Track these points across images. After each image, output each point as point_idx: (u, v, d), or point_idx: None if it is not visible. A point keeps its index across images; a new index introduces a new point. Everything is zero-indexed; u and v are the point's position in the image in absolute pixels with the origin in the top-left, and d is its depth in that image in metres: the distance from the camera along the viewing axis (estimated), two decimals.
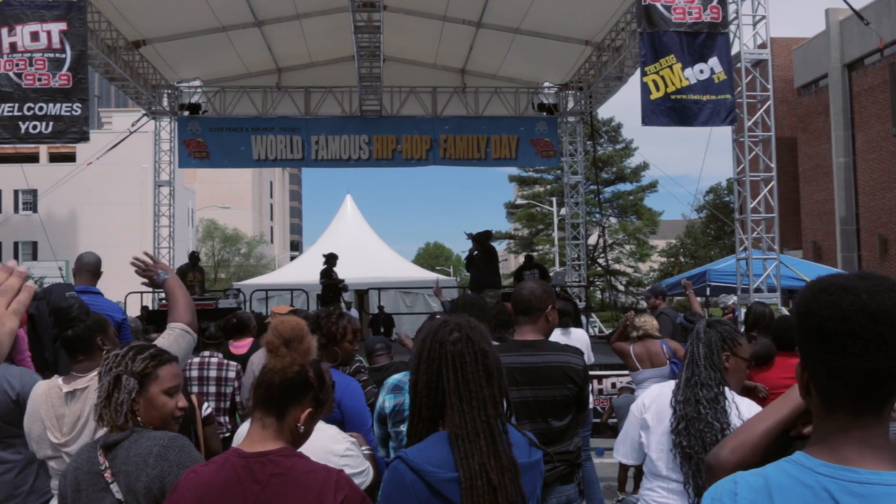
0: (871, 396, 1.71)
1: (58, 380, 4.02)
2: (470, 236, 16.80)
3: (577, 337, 8.89)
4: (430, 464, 2.70)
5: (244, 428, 4.15)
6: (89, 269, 6.83)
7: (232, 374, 7.65)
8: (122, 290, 19.46)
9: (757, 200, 14.84)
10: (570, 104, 23.11)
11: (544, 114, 22.62)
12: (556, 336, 7.47)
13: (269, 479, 2.68)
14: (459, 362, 2.82)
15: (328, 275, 17.98)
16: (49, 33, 13.84)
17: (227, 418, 7.52)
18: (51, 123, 13.90)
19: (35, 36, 13.83)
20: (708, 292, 18.50)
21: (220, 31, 19.16)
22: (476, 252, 16.54)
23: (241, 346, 8.70)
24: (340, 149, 22.07)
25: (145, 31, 19.11)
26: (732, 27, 14.40)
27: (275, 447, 2.75)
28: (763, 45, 14.88)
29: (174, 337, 4.10)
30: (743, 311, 13.34)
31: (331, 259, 18.08)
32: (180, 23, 18.84)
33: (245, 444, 2.79)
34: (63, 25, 13.86)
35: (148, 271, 4.48)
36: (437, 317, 3.21)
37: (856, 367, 1.69)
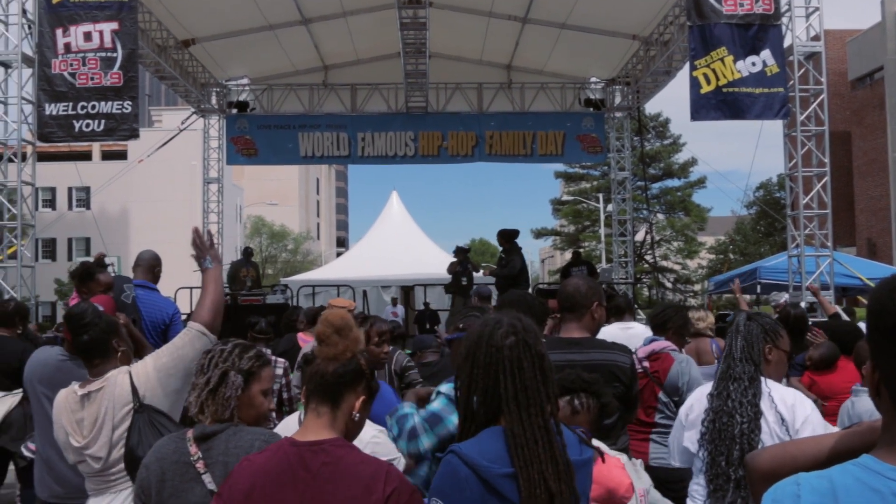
0: None
1: (74, 385, 4.06)
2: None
3: (638, 332, 8.76)
4: (484, 458, 2.69)
5: (289, 421, 4.33)
6: (144, 264, 7.12)
7: (280, 371, 7.63)
8: (172, 285, 19.63)
9: (810, 196, 14.58)
10: (618, 99, 22.90)
11: (591, 109, 22.39)
12: (615, 331, 7.37)
13: (320, 468, 2.71)
14: (517, 368, 2.80)
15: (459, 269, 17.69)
16: (101, 33, 14.05)
17: (273, 415, 7.52)
18: (103, 121, 14.09)
19: (88, 36, 14.04)
20: (758, 290, 18.24)
21: (267, 29, 19.31)
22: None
23: (310, 339, 8.73)
24: (386, 145, 22.09)
25: (194, 30, 19.32)
26: (785, 19, 14.15)
27: (329, 436, 2.78)
28: (816, 38, 14.58)
29: (189, 338, 4.09)
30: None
31: (458, 253, 17.92)
32: (229, 22, 19.05)
33: (299, 434, 2.84)
34: (115, 25, 14.06)
35: (200, 248, 4.44)
36: (488, 314, 3.16)
37: None
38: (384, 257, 27.98)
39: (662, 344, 6.24)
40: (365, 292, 23.39)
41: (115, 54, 14.07)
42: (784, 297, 13.85)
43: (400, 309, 24.42)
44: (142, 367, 4.04)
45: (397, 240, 29.98)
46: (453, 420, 3.91)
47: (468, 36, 20.45)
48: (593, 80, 22.75)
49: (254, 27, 19.23)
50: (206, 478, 3.13)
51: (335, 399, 2.84)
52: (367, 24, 19.50)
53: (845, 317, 11.55)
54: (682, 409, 4.53)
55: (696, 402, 4.38)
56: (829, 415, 6.16)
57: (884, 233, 32.06)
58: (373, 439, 4.07)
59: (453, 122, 22.21)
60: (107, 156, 55.78)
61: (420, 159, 22.47)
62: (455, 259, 17.58)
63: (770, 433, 4.08)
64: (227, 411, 3.28)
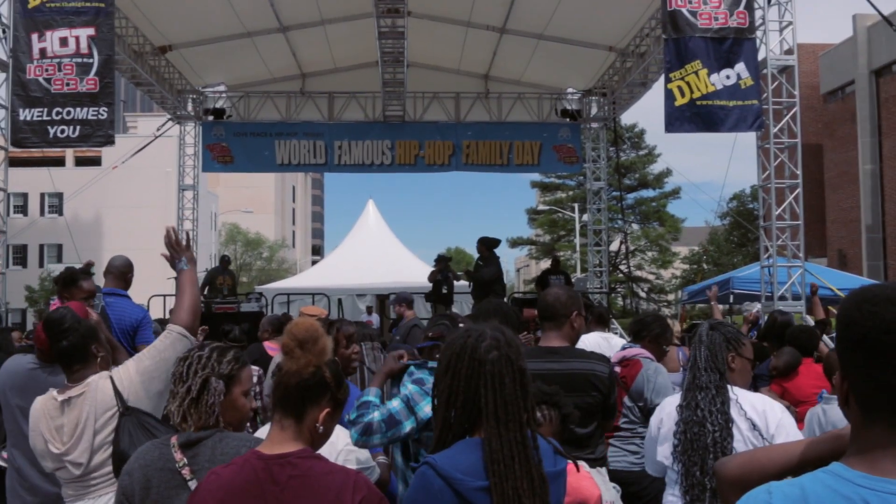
0: None
1: (53, 391, 4.02)
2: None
3: (618, 344, 8.83)
4: (459, 471, 2.69)
5: (262, 431, 4.15)
6: (115, 271, 7.08)
7: (254, 379, 7.64)
8: (146, 292, 19.53)
9: (782, 208, 14.72)
10: (594, 110, 23.07)
11: (567, 120, 22.55)
12: (597, 341, 7.44)
13: (288, 481, 2.71)
14: (499, 383, 2.80)
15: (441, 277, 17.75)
16: (77, 39, 13.99)
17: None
18: (78, 128, 14.03)
19: (64, 41, 13.98)
20: (731, 300, 18.41)
21: (245, 36, 19.30)
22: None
23: (277, 347, 8.74)
24: (363, 154, 22.13)
25: (171, 36, 19.25)
26: (759, 33, 14.28)
27: (294, 449, 2.78)
28: (790, 51, 14.74)
29: (170, 341, 4.09)
30: (807, 318, 13.29)
31: (439, 262, 18.02)
32: (206, 28, 18.99)
33: (265, 446, 2.83)
34: (91, 31, 14.00)
35: (175, 249, 4.43)
36: (464, 325, 3.16)
37: None
38: (360, 266, 27.95)
39: (635, 351, 6.33)
40: (340, 301, 23.28)
41: (91, 60, 14.01)
42: (756, 307, 13.97)
43: (375, 318, 24.29)
44: (124, 371, 4.04)
45: (373, 248, 30.00)
46: (410, 423, 4.03)
47: (446, 45, 20.50)
48: (570, 90, 22.90)
49: (231, 34, 19.17)
50: (193, 484, 3.10)
51: (298, 412, 2.83)
52: (345, 33, 19.51)
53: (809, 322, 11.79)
54: (653, 422, 4.53)
55: (667, 416, 4.39)
56: (802, 420, 6.23)
57: (854, 244, 32.39)
58: (346, 447, 4.12)
59: (430, 132, 22.29)
60: (80, 161, 55.36)
61: (397, 168, 22.52)
62: (436, 268, 17.69)
63: (744, 440, 4.11)
64: (212, 418, 3.27)
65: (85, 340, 4.13)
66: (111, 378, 3.98)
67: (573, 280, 22.18)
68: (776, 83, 14.63)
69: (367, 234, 32.13)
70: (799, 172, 14.71)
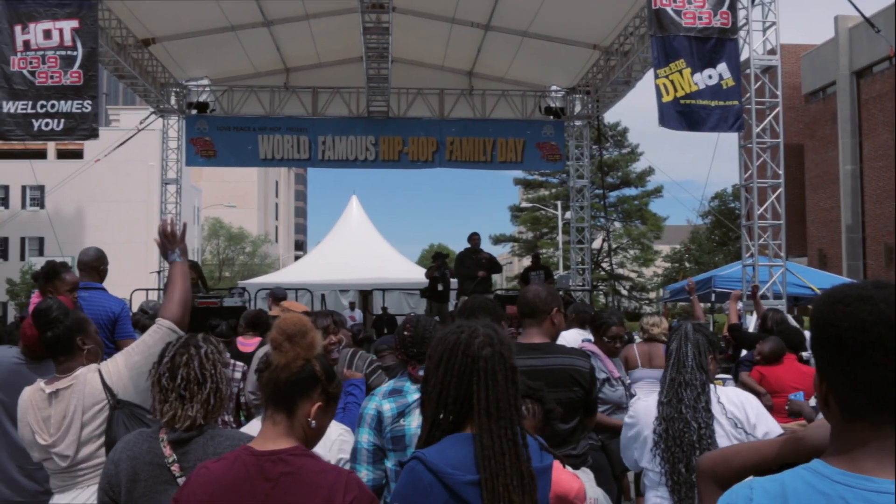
0: (892, 406, 1.70)
1: (40, 382, 4.03)
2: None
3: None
4: (449, 466, 2.72)
5: (255, 423, 4.27)
6: (86, 266, 7.05)
7: (238, 375, 7.60)
8: (128, 286, 19.78)
9: (764, 207, 14.79)
10: (578, 108, 23.05)
11: (551, 117, 22.59)
12: (576, 338, 7.48)
13: (280, 478, 2.70)
14: (492, 380, 2.82)
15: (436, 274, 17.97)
16: (61, 31, 13.94)
17: (231, 418, 7.47)
18: (62, 121, 14.01)
19: (48, 34, 13.93)
20: (713, 298, 18.52)
21: (229, 30, 19.23)
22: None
23: (250, 343, 8.68)
24: (347, 149, 22.11)
25: (155, 29, 19.15)
26: (742, 33, 14.34)
27: (286, 445, 2.77)
28: (773, 52, 14.77)
29: (160, 336, 4.06)
30: (749, 317, 13.38)
31: (436, 259, 18.33)
32: (190, 22, 18.90)
33: (257, 442, 2.81)
34: (75, 23, 13.94)
35: (169, 239, 4.42)
36: (457, 322, 3.11)
37: (877, 377, 1.68)
38: (343, 261, 28.06)
39: (589, 347, 6.44)
40: (323, 296, 23.41)
41: (75, 53, 13.95)
42: (738, 306, 14.00)
43: (358, 313, 24.56)
44: (113, 365, 4.04)
45: (356, 244, 30.13)
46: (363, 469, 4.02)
47: (430, 42, 20.51)
48: (554, 88, 22.88)
49: (215, 28, 19.09)
50: (181, 481, 3.08)
51: (290, 407, 2.82)
52: (329, 28, 19.47)
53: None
54: (627, 423, 4.54)
55: (642, 415, 4.39)
56: (778, 411, 6.37)
57: (834, 244, 32.65)
58: (339, 437, 4.19)
59: (414, 128, 22.30)
60: (62, 154, 55.14)
61: (381, 164, 22.52)
62: (433, 265, 17.95)
63: (727, 436, 4.16)
64: (200, 417, 3.26)
65: (71, 332, 4.11)
66: (100, 371, 3.98)
67: (556, 277, 22.35)
68: (759, 83, 14.69)
69: (350, 230, 32.24)
70: (781, 172, 14.81)
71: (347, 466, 3.91)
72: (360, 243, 30.41)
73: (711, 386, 4.26)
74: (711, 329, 10.19)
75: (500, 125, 22.40)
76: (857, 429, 1.73)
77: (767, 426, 4.21)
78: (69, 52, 13.94)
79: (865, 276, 29.67)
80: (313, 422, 2.85)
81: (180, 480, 3.09)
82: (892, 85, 28.56)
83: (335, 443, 4.11)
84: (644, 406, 4.45)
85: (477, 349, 2.84)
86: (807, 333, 8.39)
